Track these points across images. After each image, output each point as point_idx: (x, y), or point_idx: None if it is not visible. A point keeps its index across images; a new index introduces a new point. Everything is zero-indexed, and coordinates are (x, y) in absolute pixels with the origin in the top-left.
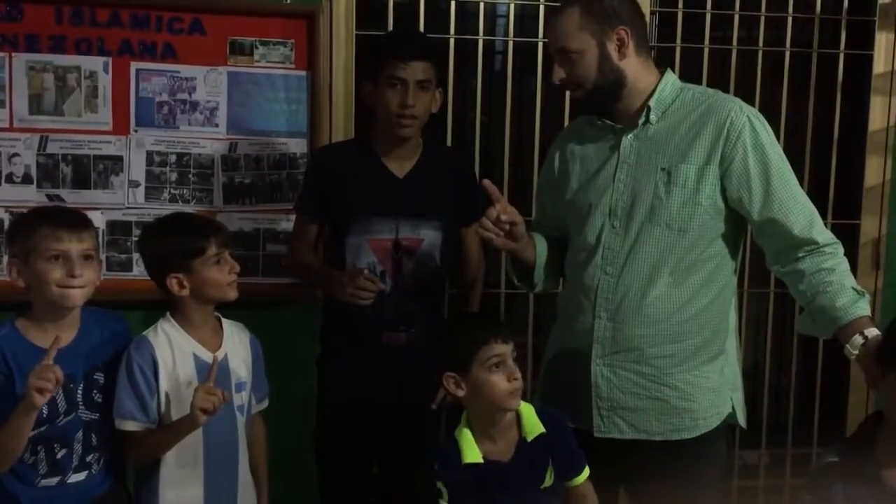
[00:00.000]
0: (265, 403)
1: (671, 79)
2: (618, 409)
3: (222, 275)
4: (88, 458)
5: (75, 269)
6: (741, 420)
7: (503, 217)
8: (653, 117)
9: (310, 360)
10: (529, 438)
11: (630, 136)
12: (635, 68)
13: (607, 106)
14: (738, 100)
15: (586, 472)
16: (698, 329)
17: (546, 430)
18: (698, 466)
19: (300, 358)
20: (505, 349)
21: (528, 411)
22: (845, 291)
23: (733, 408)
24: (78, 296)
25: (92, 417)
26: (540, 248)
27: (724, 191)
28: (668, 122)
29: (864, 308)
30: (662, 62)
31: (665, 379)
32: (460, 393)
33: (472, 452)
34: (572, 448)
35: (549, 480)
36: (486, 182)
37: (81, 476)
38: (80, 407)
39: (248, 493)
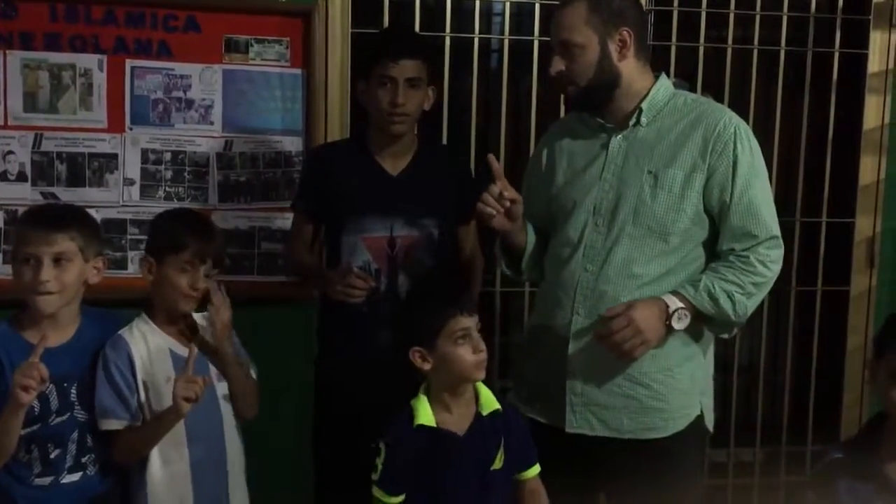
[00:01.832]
0: (253, 369)
1: (665, 83)
2: (591, 405)
3: (180, 281)
4: (83, 459)
5: (41, 275)
6: (709, 424)
7: (505, 194)
8: (643, 120)
9: (305, 358)
10: (486, 413)
11: (619, 136)
12: (631, 70)
13: (597, 105)
14: (728, 110)
15: (537, 467)
16: (674, 332)
17: (503, 411)
18: (668, 466)
19: (296, 355)
20: (470, 322)
21: (484, 389)
22: (703, 282)
23: (702, 411)
24: (48, 301)
25: (87, 418)
26: (530, 235)
27: (704, 199)
28: (658, 125)
29: (687, 290)
30: (658, 61)
31: (639, 378)
32: (426, 367)
33: (426, 416)
34: (527, 439)
35: (498, 463)
36: (490, 157)
37: (76, 477)
38: (76, 407)
39: (237, 479)
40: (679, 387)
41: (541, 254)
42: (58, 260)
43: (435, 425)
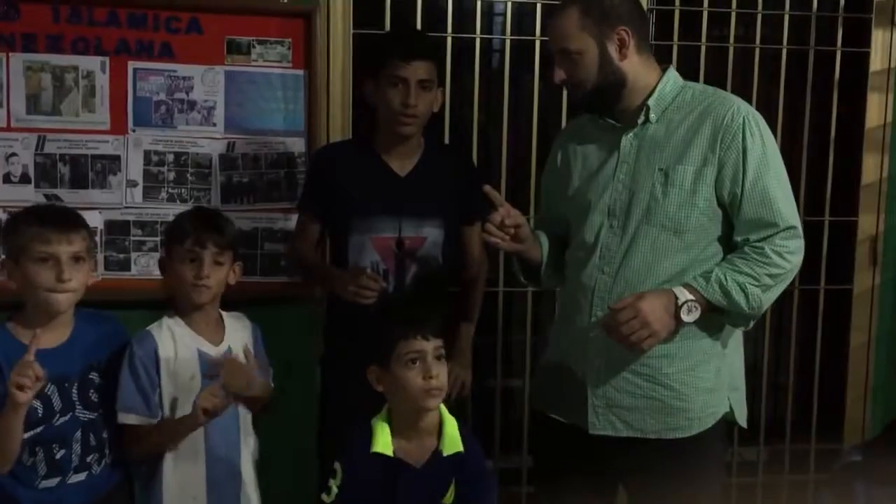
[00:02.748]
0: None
1: (672, 77)
2: (613, 407)
3: (186, 273)
4: (88, 459)
5: (64, 273)
6: (741, 420)
7: (507, 221)
8: (652, 116)
9: (309, 358)
10: (446, 453)
11: (630, 135)
12: (636, 68)
13: (608, 106)
14: (737, 99)
15: None
16: (693, 330)
17: (464, 453)
18: (693, 465)
19: (299, 356)
20: (425, 346)
21: (451, 427)
22: (715, 274)
23: (731, 407)
24: (66, 300)
25: (90, 417)
26: (545, 247)
27: (717, 193)
28: (668, 121)
29: (698, 282)
30: (660, 60)
31: (660, 378)
32: (380, 388)
33: (384, 443)
34: (484, 482)
35: (449, 498)
36: (488, 188)
37: (82, 476)
38: (77, 407)
39: (249, 483)
40: (703, 385)
41: (559, 261)
42: (75, 259)
43: (391, 454)
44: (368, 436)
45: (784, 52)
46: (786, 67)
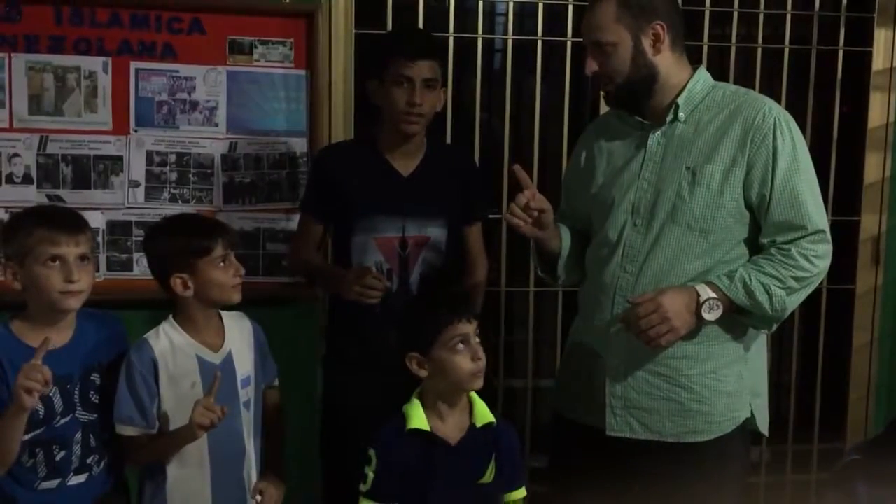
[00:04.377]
0: (276, 382)
1: (703, 76)
2: (631, 408)
3: (227, 277)
4: (88, 460)
5: (73, 275)
6: (762, 427)
7: (532, 204)
8: (681, 115)
9: (310, 358)
10: (479, 424)
11: (658, 133)
12: (669, 64)
13: (638, 101)
14: (768, 100)
15: (524, 490)
16: (716, 331)
17: (496, 424)
18: (711, 469)
19: (300, 356)
20: (468, 328)
21: (479, 401)
22: (739, 273)
23: (752, 413)
24: (76, 301)
25: (90, 419)
26: (565, 240)
27: (744, 194)
28: (697, 120)
29: (722, 280)
30: None
31: (680, 380)
32: (423, 374)
33: (419, 420)
34: (518, 457)
35: (488, 477)
36: (517, 167)
37: (82, 478)
38: (78, 408)
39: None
40: (724, 389)
41: (579, 256)
42: (81, 259)
43: (429, 429)
44: (401, 419)
45: (786, 51)
46: (788, 67)
